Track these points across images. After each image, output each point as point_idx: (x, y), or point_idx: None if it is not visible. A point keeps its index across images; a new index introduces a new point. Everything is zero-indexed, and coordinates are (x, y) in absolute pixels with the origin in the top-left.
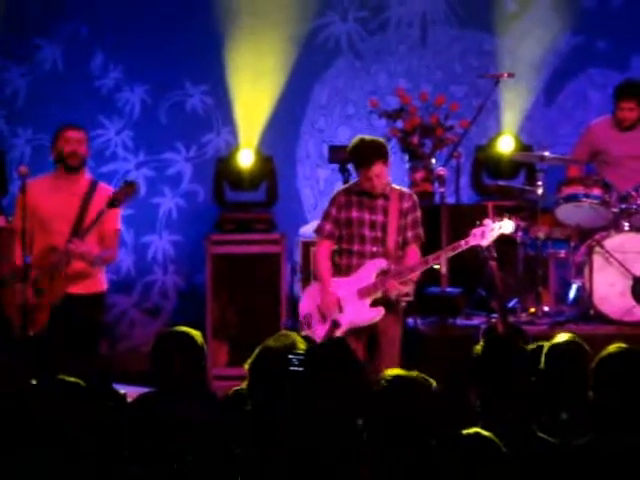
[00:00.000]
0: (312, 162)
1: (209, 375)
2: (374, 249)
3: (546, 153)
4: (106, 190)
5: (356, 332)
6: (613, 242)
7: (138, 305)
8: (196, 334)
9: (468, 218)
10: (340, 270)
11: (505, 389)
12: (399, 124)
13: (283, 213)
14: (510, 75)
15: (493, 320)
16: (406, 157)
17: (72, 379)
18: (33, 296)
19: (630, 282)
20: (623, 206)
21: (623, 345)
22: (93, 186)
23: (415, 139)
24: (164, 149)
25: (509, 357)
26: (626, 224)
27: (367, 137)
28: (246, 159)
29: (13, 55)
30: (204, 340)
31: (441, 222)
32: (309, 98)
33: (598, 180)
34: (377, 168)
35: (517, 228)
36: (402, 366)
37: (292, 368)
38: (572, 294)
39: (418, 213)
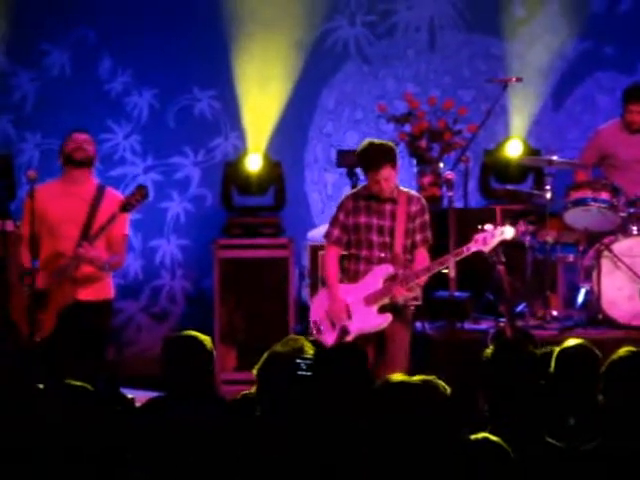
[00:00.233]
0: (320, 167)
1: (217, 380)
2: (382, 255)
3: (554, 157)
4: (114, 195)
5: (364, 337)
6: (621, 246)
7: (146, 309)
8: (205, 339)
9: (476, 222)
10: (348, 276)
11: (514, 394)
12: (407, 128)
13: (291, 217)
14: (518, 80)
15: (501, 324)
16: (414, 161)
17: (79, 383)
18: (36, 302)
19: (638, 286)
20: (631, 210)
21: (633, 349)
22: (101, 191)
23: (423, 143)
24: (172, 153)
25: (518, 362)
26: (634, 228)
27: (376, 140)
28: (254, 164)
29: (21, 60)
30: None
31: (449, 226)
32: (317, 103)
33: (606, 184)
34: (385, 171)
35: (525, 232)
36: (410, 371)
37: (300, 372)
38: (580, 298)
39: (426, 216)
